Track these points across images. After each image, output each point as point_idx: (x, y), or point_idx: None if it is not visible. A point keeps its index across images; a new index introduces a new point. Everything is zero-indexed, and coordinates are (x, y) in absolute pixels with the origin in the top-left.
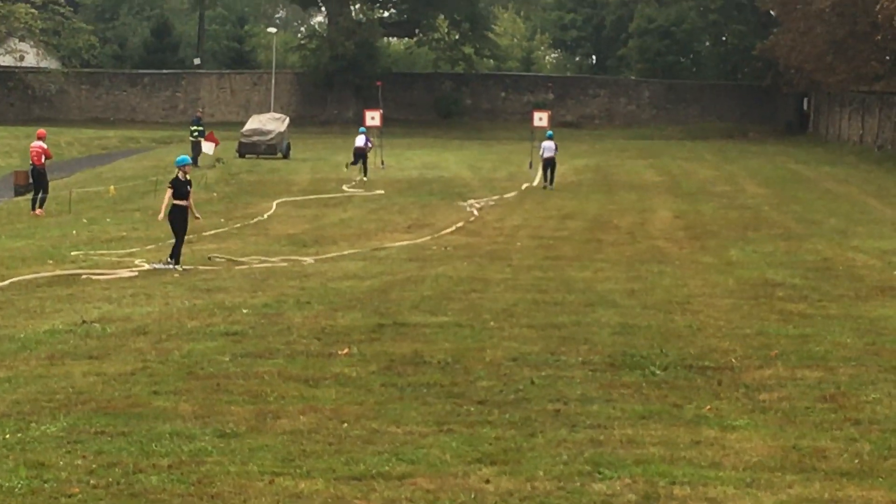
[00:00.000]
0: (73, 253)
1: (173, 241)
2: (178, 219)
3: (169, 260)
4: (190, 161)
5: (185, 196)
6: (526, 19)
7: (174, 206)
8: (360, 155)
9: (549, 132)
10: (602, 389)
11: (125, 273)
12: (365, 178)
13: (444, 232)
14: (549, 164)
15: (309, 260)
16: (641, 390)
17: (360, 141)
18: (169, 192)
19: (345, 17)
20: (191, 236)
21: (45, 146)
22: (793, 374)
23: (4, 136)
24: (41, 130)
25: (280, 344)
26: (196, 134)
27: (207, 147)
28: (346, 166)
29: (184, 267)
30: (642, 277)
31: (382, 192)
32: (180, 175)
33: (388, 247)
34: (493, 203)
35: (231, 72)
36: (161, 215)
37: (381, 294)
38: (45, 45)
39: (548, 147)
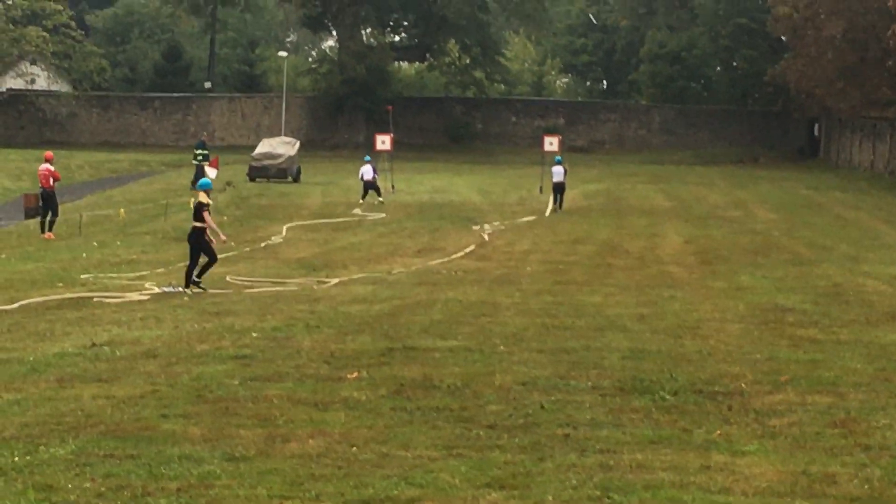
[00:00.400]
0: (82, 276)
1: (187, 263)
2: (199, 241)
3: (189, 286)
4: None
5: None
6: (537, 44)
7: (194, 227)
8: (372, 186)
9: (558, 157)
10: (612, 414)
11: (136, 296)
12: (381, 200)
13: (454, 256)
14: (559, 188)
15: (333, 281)
16: (651, 415)
17: (367, 173)
18: (207, 214)
19: (356, 41)
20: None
21: (52, 168)
22: (803, 399)
23: (15, 158)
24: (48, 153)
25: (289, 367)
26: (200, 158)
27: (211, 172)
28: (362, 198)
29: (193, 290)
30: (652, 302)
31: (384, 215)
32: (203, 198)
33: (398, 271)
34: (503, 227)
35: (242, 95)
36: (223, 236)
37: (390, 318)
38: (56, 68)
39: (557, 172)
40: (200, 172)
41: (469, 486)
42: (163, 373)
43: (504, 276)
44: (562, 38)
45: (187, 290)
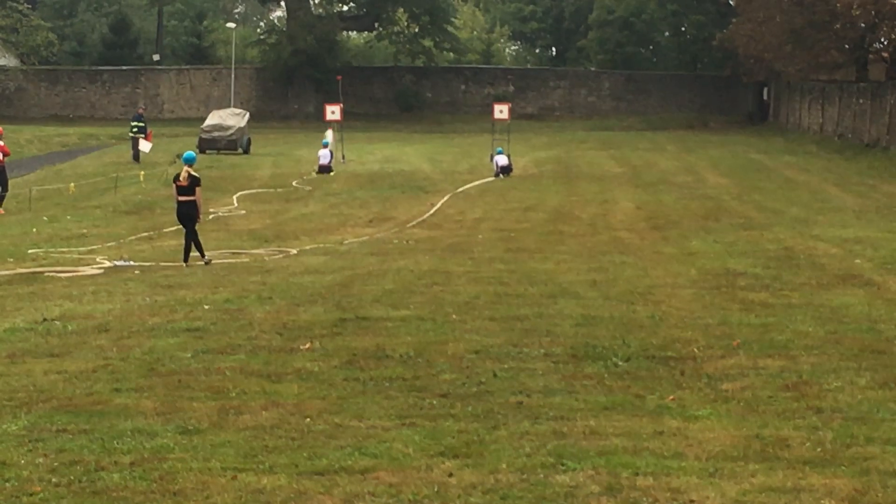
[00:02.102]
0: (30, 251)
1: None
2: (195, 213)
3: (203, 258)
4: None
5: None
6: (485, 11)
7: (187, 202)
8: (325, 170)
9: (499, 148)
10: (564, 381)
11: (89, 270)
12: (332, 173)
13: (406, 226)
14: (505, 170)
15: (293, 251)
16: (604, 381)
17: (324, 158)
18: (199, 190)
19: (304, 11)
20: (151, 233)
21: (1, 143)
22: (755, 363)
23: None
24: None
25: (242, 339)
26: (136, 130)
27: (145, 146)
28: (315, 173)
29: (208, 261)
30: (604, 269)
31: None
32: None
33: (349, 241)
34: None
35: (190, 67)
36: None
37: (342, 288)
38: (3, 42)
39: (501, 159)
40: (136, 145)
41: (423, 455)
42: (115, 346)
43: (456, 244)
44: (510, 5)
45: (207, 260)
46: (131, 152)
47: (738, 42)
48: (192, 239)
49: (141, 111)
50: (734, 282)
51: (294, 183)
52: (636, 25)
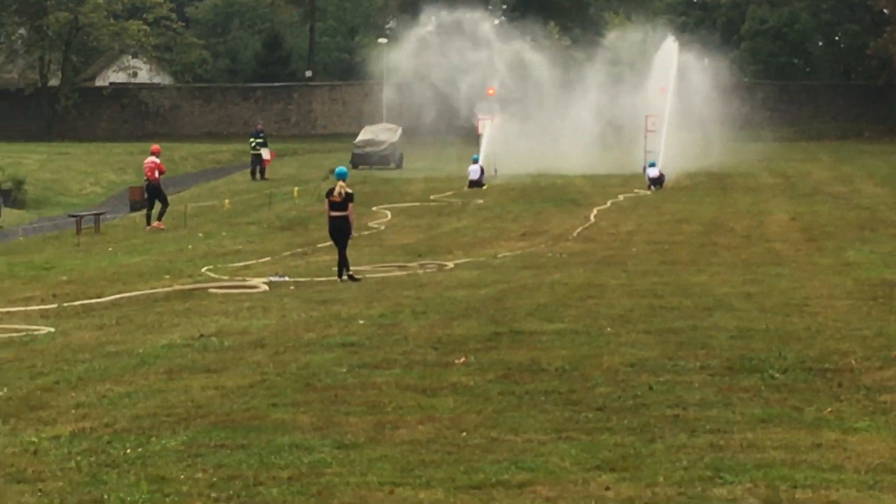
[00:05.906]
0: (204, 269)
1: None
2: (348, 229)
3: (344, 276)
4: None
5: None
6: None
7: (333, 217)
8: (477, 185)
9: (652, 161)
10: (721, 394)
11: (261, 284)
12: (484, 187)
13: (559, 239)
14: (657, 182)
15: (449, 265)
16: (761, 394)
17: (474, 173)
18: (351, 206)
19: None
20: (305, 248)
21: (157, 161)
22: None
23: (119, 152)
24: (155, 146)
25: (397, 354)
26: (255, 145)
27: (265, 153)
28: (467, 187)
29: (354, 276)
30: (759, 280)
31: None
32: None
33: (503, 255)
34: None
35: (342, 83)
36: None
37: (496, 302)
38: (157, 61)
39: (652, 171)
40: (257, 161)
41: (579, 468)
42: (271, 362)
43: (609, 257)
44: (661, 17)
45: (344, 278)
46: (250, 168)
47: (892, 50)
48: (343, 254)
49: (260, 127)
50: (891, 292)
51: (432, 197)
52: (789, 35)
